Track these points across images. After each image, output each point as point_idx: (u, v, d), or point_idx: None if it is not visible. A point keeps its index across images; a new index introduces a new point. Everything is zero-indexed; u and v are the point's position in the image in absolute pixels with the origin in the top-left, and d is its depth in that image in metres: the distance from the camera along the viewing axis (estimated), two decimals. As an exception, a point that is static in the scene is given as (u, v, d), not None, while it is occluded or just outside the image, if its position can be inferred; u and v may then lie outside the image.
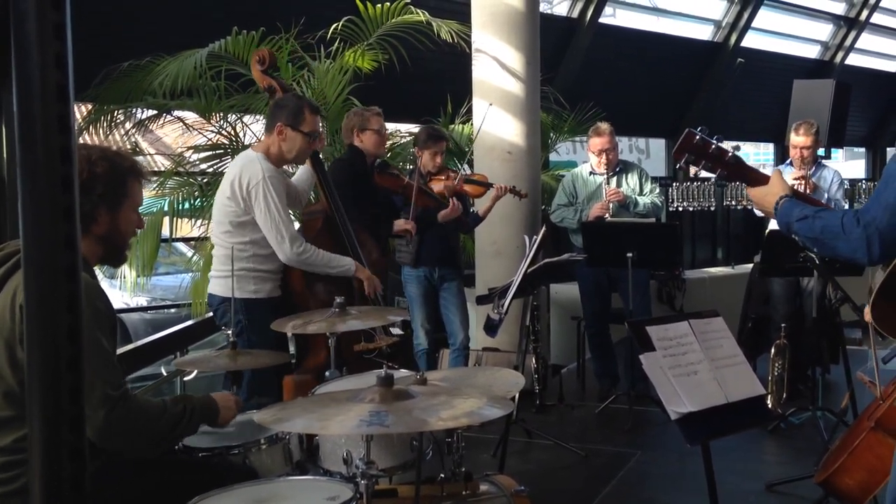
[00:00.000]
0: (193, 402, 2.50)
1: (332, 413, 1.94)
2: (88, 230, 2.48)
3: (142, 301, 10.14)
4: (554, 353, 7.46)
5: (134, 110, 6.54)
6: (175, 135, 7.12)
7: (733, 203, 10.68)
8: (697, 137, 2.48)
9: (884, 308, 2.23)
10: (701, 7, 13.00)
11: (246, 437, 2.69)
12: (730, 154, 2.50)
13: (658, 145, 14.06)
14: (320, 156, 4.38)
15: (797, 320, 5.78)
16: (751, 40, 13.21)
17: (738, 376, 3.15)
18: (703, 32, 13.01)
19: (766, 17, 13.27)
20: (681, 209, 10.92)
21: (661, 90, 12.34)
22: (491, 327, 4.35)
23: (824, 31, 14.52)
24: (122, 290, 7.69)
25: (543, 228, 4.30)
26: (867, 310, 2.31)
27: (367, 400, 1.99)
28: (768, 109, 13.19)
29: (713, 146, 2.49)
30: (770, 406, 5.34)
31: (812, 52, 14.61)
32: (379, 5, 6.33)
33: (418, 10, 6.33)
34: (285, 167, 4.34)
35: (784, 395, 5.45)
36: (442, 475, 2.70)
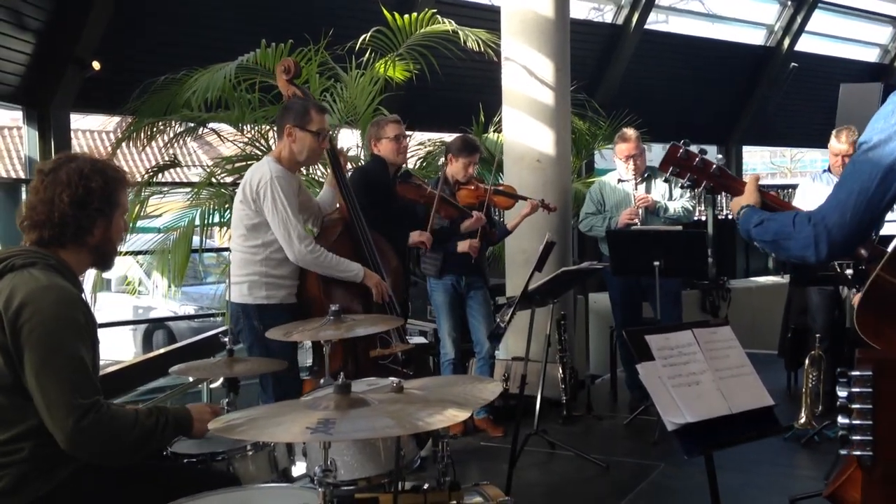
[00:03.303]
0: (167, 415, 2.51)
1: (283, 420, 1.94)
2: (84, 243, 2.53)
3: (189, 309, 10.38)
4: (593, 364, 7.37)
5: (172, 123, 6.69)
6: (230, 146, 7.26)
7: (785, 211, 10.45)
8: (681, 151, 2.51)
9: (870, 320, 2.16)
10: (753, 12, 12.77)
11: (231, 444, 2.70)
12: (714, 166, 2.51)
13: (710, 152, 13.78)
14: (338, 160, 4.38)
15: (836, 331, 5.61)
16: (805, 44, 12.92)
17: (745, 387, 3.05)
18: (756, 37, 12.77)
19: (820, 21, 12.96)
20: (731, 217, 10.71)
21: (712, 96, 12.14)
22: (495, 335, 4.30)
23: (884, 33, 14.11)
24: (164, 297, 7.89)
25: (547, 236, 4.24)
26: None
27: (321, 408, 1.98)
28: (823, 115, 12.85)
29: (697, 158, 2.51)
30: (804, 418, 5.20)
31: (871, 55, 14.22)
32: (407, 15, 6.34)
33: (446, 20, 6.33)
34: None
35: (819, 407, 5.31)
36: (426, 485, 2.69)
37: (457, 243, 5.27)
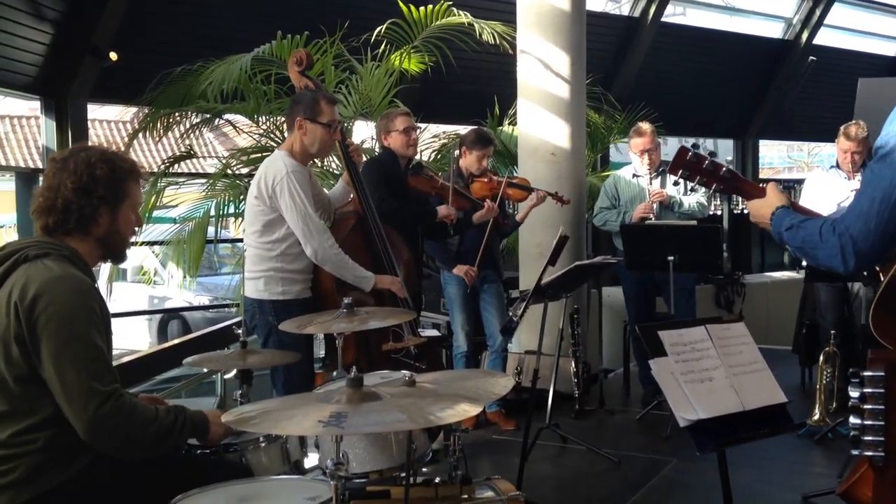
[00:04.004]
0: (185, 415, 2.53)
1: (295, 414, 1.94)
2: (89, 232, 2.54)
3: (204, 300, 10.44)
4: (606, 358, 7.36)
5: (188, 113, 6.71)
6: (246, 138, 7.28)
7: (801, 206, 10.40)
8: (690, 154, 2.51)
9: (885, 320, 2.15)
10: (772, 4, 12.68)
11: (244, 436, 2.72)
12: (724, 168, 2.51)
13: (727, 146, 13.73)
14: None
15: (846, 328, 5.58)
16: (824, 38, 12.81)
17: (758, 383, 3.04)
18: (774, 30, 12.68)
19: (840, 14, 12.85)
20: (746, 211, 10.64)
21: (729, 90, 12.07)
22: (508, 330, 4.30)
23: (904, 26, 13.99)
24: (179, 287, 7.95)
25: (561, 230, 4.23)
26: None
27: (333, 401, 1.99)
28: (841, 109, 12.73)
29: (707, 161, 2.50)
30: (818, 415, 5.18)
31: (890, 49, 14.09)
32: (423, 8, 6.34)
33: (461, 12, 6.32)
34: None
35: (834, 404, 5.28)
36: (438, 478, 2.69)
37: (465, 247, 5.31)
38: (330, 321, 3.07)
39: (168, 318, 11.04)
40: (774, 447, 4.57)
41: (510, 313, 4.46)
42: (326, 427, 1.83)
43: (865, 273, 4.32)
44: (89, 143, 2.72)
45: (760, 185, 2.57)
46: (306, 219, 3.85)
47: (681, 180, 5.80)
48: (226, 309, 9.72)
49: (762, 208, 2.42)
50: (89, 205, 2.51)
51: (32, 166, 13.23)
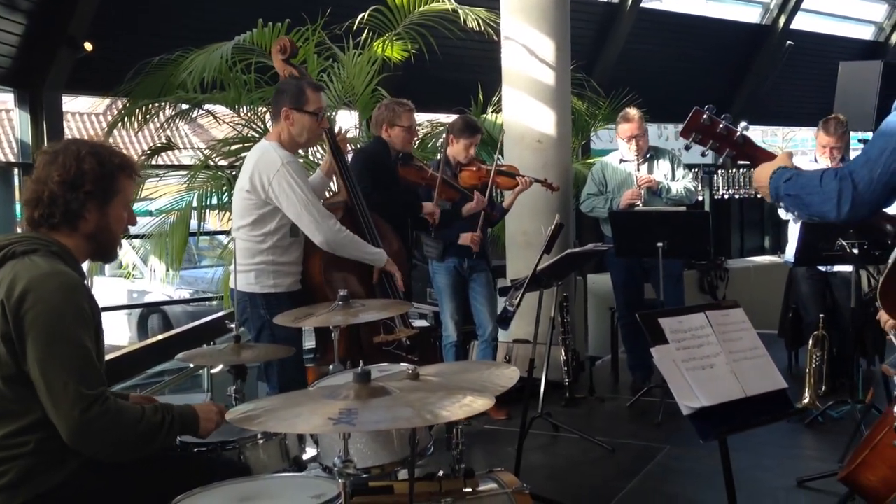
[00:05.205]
0: (173, 412, 2.46)
1: (303, 411, 1.89)
2: (76, 227, 2.46)
3: (184, 293, 10.31)
4: (592, 345, 7.34)
5: (166, 105, 6.60)
6: (224, 129, 7.16)
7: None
8: (705, 116, 2.46)
9: (892, 293, 2.14)
10: (748, -11, 12.69)
11: (241, 433, 2.66)
12: (738, 133, 2.45)
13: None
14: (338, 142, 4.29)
15: (833, 315, 5.58)
16: (801, 22, 12.85)
17: (758, 369, 3.04)
18: (751, 15, 12.69)
19: (816, -2, 12.89)
20: (726, 196, 10.69)
21: (707, 75, 12.06)
22: (504, 319, 4.27)
23: (879, 11, 14.04)
24: (162, 282, 7.84)
25: (557, 218, 4.19)
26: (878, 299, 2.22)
27: (341, 397, 1.93)
28: (819, 93, 12.79)
29: (721, 125, 2.44)
30: (807, 399, 5.18)
31: (866, 33, 14.16)
32: (406, -6, 6.27)
33: (446, -2, 6.26)
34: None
35: (823, 388, 5.29)
36: (442, 472, 2.65)
37: (458, 234, 5.23)
38: (327, 314, 3.01)
39: (148, 312, 10.90)
40: (767, 432, 4.53)
41: (505, 303, 4.42)
42: (338, 424, 1.77)
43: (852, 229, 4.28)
44: (80, 138, 2.63)
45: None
46: (310, 207, 3.75)
47: (669, 163, 5.78)
48: (207, 302, 9.60)
49: (765, 168, 2.38)
50: (76, 199, 2.43)
51: (5, 160, 13.01)
